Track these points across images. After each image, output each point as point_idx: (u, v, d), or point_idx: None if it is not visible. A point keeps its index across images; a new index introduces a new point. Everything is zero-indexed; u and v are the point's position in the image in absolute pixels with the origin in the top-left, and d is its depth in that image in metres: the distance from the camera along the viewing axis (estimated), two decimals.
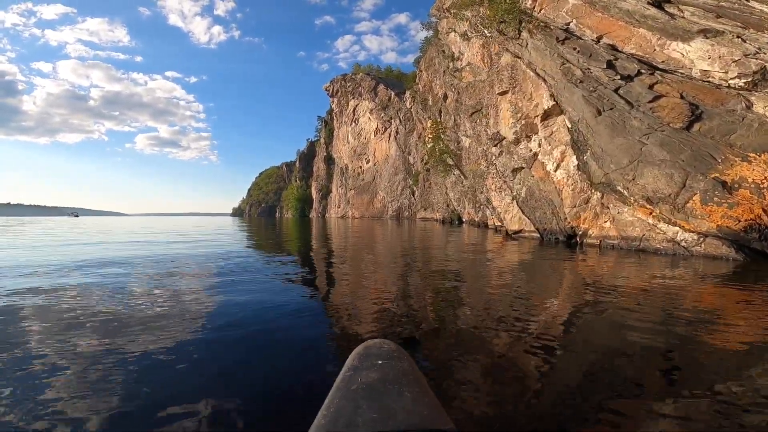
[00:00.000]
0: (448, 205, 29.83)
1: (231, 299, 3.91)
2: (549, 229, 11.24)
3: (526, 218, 12.00)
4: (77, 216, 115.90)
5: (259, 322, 3.13)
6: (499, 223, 15.15)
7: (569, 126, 10.51)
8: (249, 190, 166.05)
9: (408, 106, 56.21)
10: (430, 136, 34.34)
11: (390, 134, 61.98)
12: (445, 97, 34.36)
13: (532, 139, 12.07)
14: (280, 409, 1.79)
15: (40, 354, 2.42)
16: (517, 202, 12.45)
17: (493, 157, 13.99)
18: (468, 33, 32.01)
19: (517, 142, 12.65)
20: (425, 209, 42.86)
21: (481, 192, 15.84)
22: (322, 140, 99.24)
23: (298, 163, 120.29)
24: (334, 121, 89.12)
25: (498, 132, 13.88)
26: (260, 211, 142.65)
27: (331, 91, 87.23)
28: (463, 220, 26.43)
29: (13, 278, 5.11)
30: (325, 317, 3.37)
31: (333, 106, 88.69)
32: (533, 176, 11.94)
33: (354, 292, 4.44)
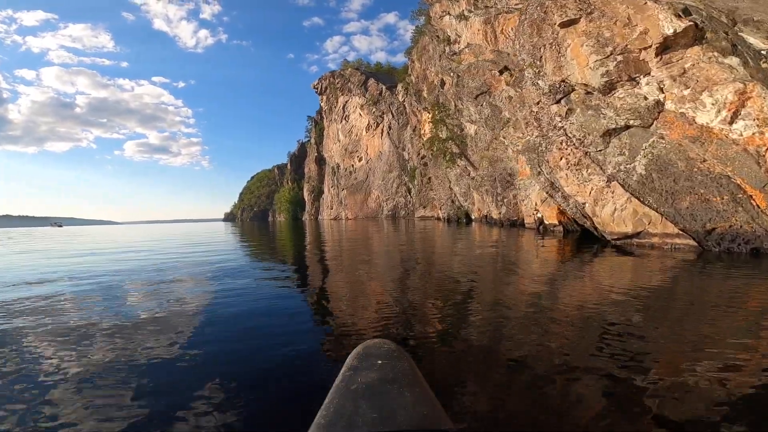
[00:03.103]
0: (453, 202, 26.66)
1: (229, 304, 3.90)
2: (725, 229, 6.57)
3: (652, 211, 7.54)
4: (60, 226, 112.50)
5: (257, 325, 3.14)
6: (552, 221, 11.39)
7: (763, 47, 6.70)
8: (240, 195, 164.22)
9: (400, 99, 53.45)
10: (429, 122, 31.27)
11: (382, 129, 59.05)
12: (443, 83, 31.55)
13: (642, 81, 8.19)
14: (279, 409, 1.80)
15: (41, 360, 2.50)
16: (623, 184, 8.02)
17: (558, 120, 9.94)
18: (465, 12, 29.38)
19: (609, 88, 8.66)
20: (424, 207, 39.96)
21: (537, 173, 10.95)
22: (312, 140, 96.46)
23: (289, 165, 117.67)
24: (324, 120, 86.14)
25: (564, 81, 9.90)
26: (252, 216, 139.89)
27: (319, 88, 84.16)
28: (472, 217, 23.26)
29: None
30: (324, 319, 3.37)
31: (322, 104, 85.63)
32: (663, 138, 7.56)
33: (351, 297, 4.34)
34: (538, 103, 10.84)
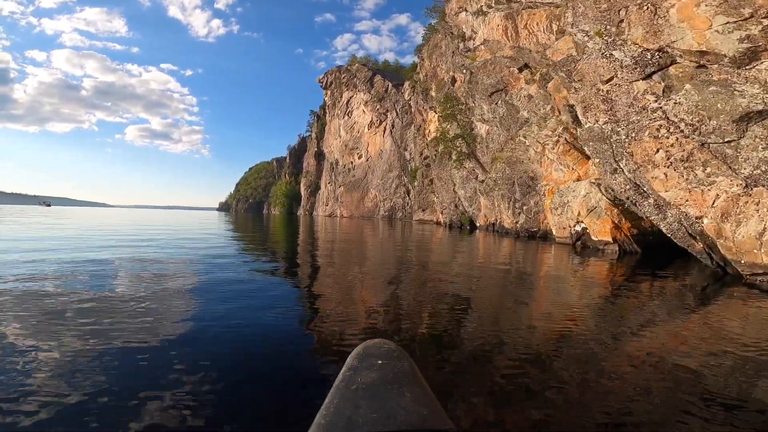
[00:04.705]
0: (456, 206, 24.84)
1: (223, 302, 3.65)
2: None
3: None
4: (49, 205, 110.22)
5: (252, 324, 2.97)
6: (602, 237, 9.07)
7: None
8: (237, 185, 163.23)
9: (406, 97, 51.84)
10: (437, 119, 29.53)
11: (385, 128, 57.42)
12: (453, 80, 30.01)
13: None
14: (279, 409, 1.77)
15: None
16: None
17: (651, 99, 7.61)
18: (484, 8, 27.93)
19: (749, 58, 6.33)
20: (423, 210, 38.28)
21: (612, 170, 8.48)
22: (313, 135, 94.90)
23: (288, 158, 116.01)
24: (327, 115, 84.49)
25: (661, 50, 7.57)
26: (247, 207, 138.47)
27: (324, 83, 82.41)
28: (477, 224, 21.48)
29: None
30: (322, 320, 3.25)
31: (326, 99, 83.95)
32: None
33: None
34: (609, 81, 8.50)
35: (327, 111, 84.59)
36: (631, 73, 7.93)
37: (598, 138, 8.72)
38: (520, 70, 19.84)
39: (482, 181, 19.89)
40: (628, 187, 8.08)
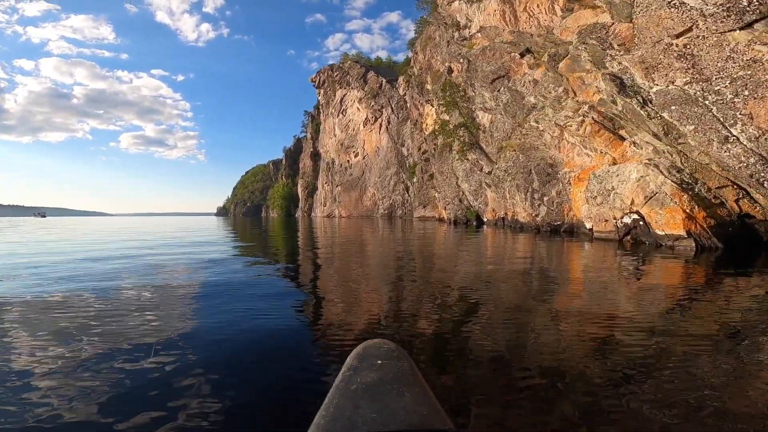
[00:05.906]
0: (460, 201, 23.56)
1: (222, 302, 3.61)
2: None
3: None
4: (44, 216, 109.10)
5: (253, 324, 2.95)
6: (672, 230, 7.40)
7: None
8: (234, 189, 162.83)
9: (401, 92, 50.64)
10: (436, 110, 28.24)
11: (381, 124, 56.21)
12: (450, 70, 28.77)
13: None
14: (278, 409, 1.73)
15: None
16: None
17: (763, 52, 6.35)
18: None
19: None
20: (424, 206, 37.09)
21: (722, 137, 6.82)
22: (308, 136, 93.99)
23: (284, 160, 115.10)
24: (321, 115, 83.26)
25: None
26: (245, 211, 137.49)
27: (317, 82, 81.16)
28: (484, 219, 20.22)
29: None
30: (322, 319, 3.19)
31: (319, 98, 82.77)
32: None
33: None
34: (683, 34, 6.98)
35: (321, 110, 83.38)
36: (722, 22, 6.53)
37: (681, 101, 7.21)
38: (522, 55, 18.63)
39: (489, 173, 18.65)
40: (752, 160, 6.38)
